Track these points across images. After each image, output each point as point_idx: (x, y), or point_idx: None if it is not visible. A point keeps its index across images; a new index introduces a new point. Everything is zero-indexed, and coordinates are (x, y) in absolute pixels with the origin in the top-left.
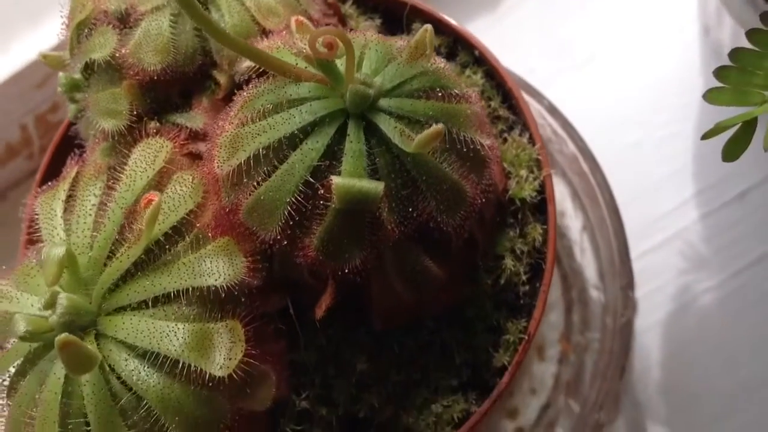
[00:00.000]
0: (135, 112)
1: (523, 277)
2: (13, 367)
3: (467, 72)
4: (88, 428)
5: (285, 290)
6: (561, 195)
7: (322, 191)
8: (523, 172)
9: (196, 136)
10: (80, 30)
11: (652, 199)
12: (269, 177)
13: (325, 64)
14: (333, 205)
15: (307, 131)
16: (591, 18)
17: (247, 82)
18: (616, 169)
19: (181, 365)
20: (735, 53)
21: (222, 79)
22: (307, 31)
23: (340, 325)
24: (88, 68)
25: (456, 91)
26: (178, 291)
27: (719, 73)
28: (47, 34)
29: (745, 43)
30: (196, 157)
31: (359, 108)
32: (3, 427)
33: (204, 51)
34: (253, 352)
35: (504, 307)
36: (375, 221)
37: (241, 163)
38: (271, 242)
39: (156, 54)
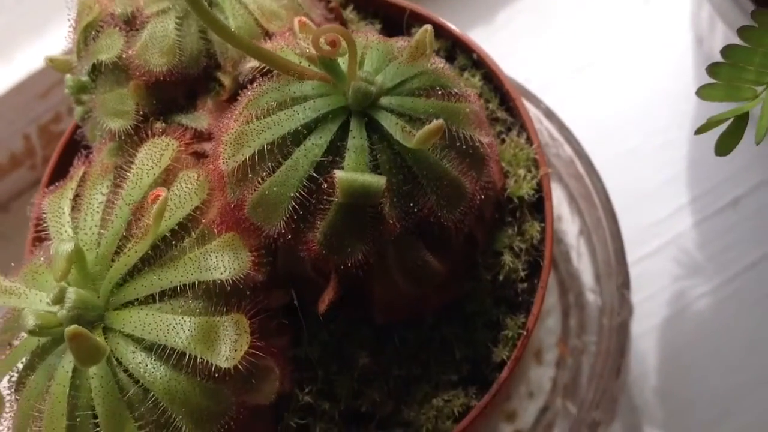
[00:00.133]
0: (141, 113)
1: (522, 274)
2: (21, 362)
3: (465, 75)
4: (96, 421)
5: (288, 285)
6: (558, 199)
7: (325, 186)
8: (521, 171)
9: (200, 136)
10: (87, 33)
11: (646, 206)
12: (274, 173)
13: (328, 63)
14: (336, 200)
15: (311, 128)
16: (586, 29)
17: (251, 82)
18: (610, 176)
19: (187, 358)
20: (727, 50)
21: (226, 80)
22: (310, 32)
23: (343, 320)
24: (95, 70)
25: (455, 90)
26: (184, 285)
27: (712, 69)
28: (50, 44)
29: None
30: (201, 156)
31: (361, 105)
32: (11, 422)
33: (208, 53)
34: (258, 344)
35: (503, 303)
36: (377, 216)
37: (246, 159)
38: (275, 237)
39: (162, 56)
